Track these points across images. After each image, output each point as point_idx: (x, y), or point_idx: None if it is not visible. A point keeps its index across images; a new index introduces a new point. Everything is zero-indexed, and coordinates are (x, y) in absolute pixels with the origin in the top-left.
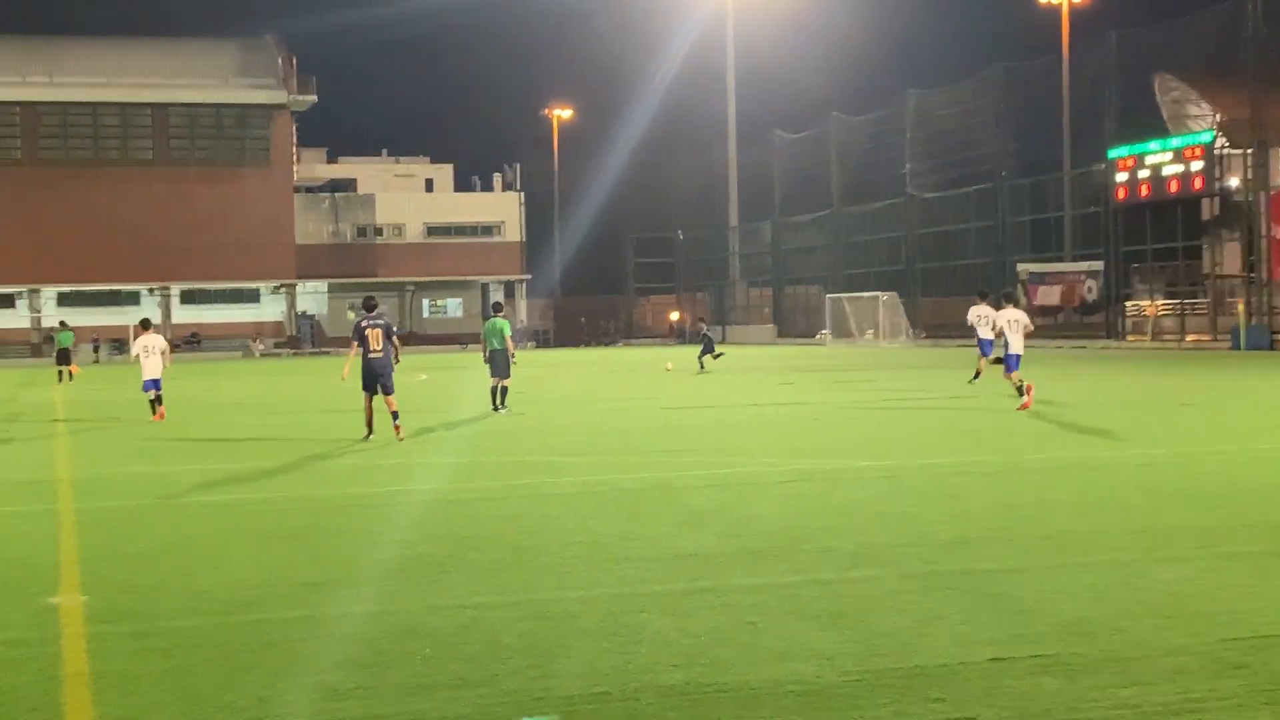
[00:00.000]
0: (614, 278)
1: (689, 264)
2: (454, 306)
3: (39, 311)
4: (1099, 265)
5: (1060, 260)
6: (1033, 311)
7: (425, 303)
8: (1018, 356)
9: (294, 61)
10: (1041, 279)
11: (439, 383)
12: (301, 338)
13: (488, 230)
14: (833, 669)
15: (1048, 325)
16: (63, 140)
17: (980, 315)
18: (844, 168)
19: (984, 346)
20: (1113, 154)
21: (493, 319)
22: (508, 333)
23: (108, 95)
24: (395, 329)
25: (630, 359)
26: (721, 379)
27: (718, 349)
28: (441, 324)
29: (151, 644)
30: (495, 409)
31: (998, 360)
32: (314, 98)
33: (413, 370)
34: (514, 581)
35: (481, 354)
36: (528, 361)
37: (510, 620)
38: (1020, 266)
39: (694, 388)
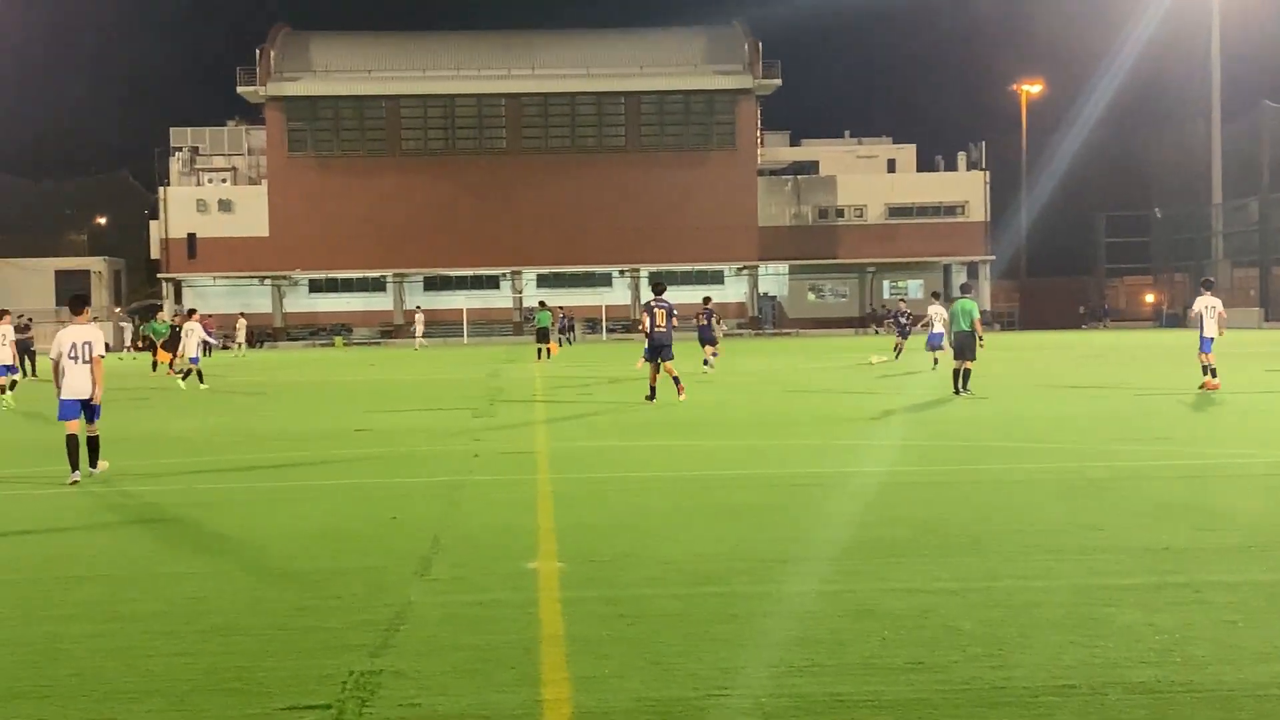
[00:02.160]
0: (1083, 258)
1: (1167, 243)
2: (914, 288)
3: (520, 292)
4: None
5: None
6: None
7: (886, 284)
8: (1211, 340)
9: (759, 47)
10: None
11: (896, 364)
12: (763, 319)
13: (950, 210)
14: None
15: None
16: (543, 129)
17: (935, 313)
18: None
19: (933, 339)
20: None
21: (960, 300)
22: (976, 315)
23: (584, 86)
24: (675, 311)
25: (1101, 343)
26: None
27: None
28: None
29: (620, 611)
30: (957, 392)
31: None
32: (778, 82)
33: (863, 351)
34: (974, 568)
35: (945, 336)
36: (992, 344)
37: (970, 607)
38: None
39: (1166, 374)
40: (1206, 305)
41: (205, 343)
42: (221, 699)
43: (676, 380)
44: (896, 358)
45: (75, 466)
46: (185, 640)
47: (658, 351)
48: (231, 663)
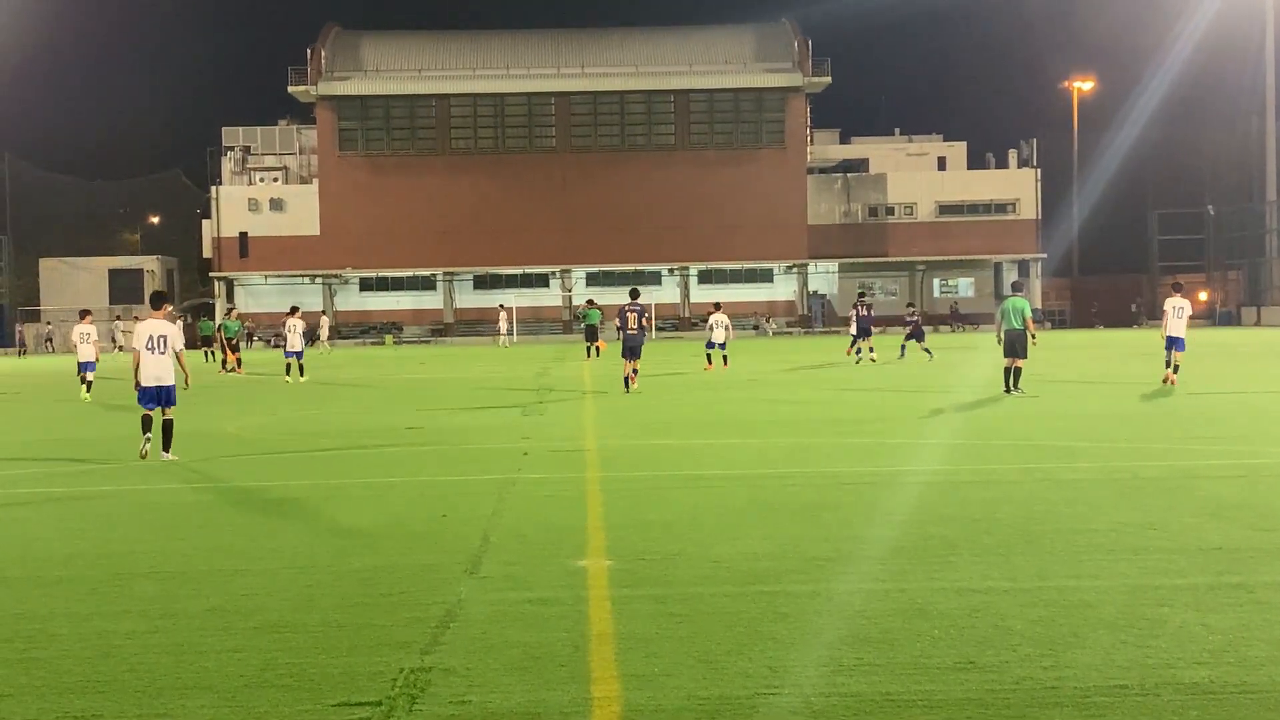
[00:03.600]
0: (1136, 256)
1: (1220, 241)
2: (965, 286)
3: (569, 290)
4: None
5: None
6: None
7: (936, 282)
8: (1179, 339)
9: (809, 45)
10: None
11: (948, 362)
12: (812, 317)
13: (1001, 208)
14: None
15: None
16: (592, 128)
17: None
18: None
19: (859, 328)
20: None
21: (1011, 298)
22: (1028, 313)
23: (634, 84)
24: (647, 313)
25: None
26: (1250, 364)
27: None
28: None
29: (670, 609)
30: (1008, 390)
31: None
32: (828, 79)
33: (920, 350)
34: (1026, 567)
35: (995, 334)
36: (1044, 343)
37: (1021, 606)
38: None
39: (1222, 372)
40: (1175, 306)
41: (306, 338)
42: (273, 695)
43: (633, 374)
44: (901, 356)
45: (147, 432)
46: (238, 636)
47: (629, 350)
48: (283, 659)
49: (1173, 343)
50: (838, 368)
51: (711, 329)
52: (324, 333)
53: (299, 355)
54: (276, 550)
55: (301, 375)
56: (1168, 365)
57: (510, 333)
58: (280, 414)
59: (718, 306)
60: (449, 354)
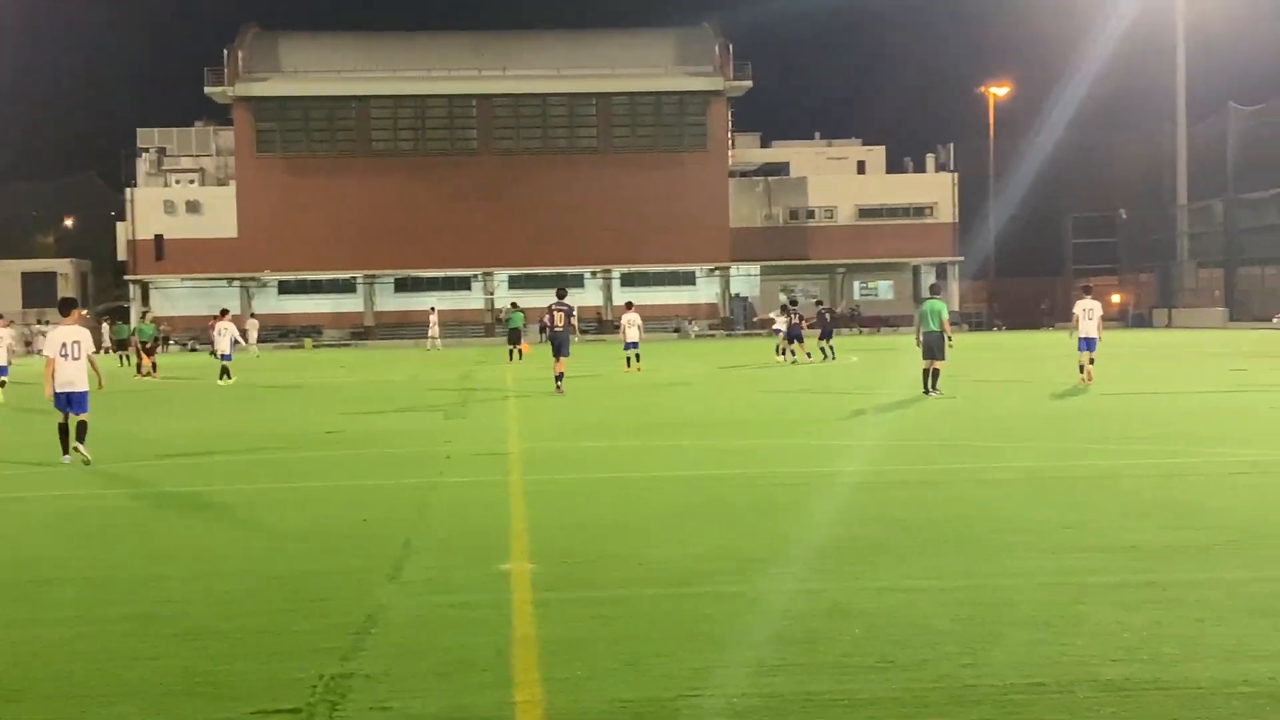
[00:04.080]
0: (1051, 259)
1: (1133, 244)
2: (885, 289)
3: (492, 293)
4: None
5: None
6: None
7: (856, 285)
8: (1092, 340)
9: (730, 49)
10: None
11: (869, 365)
12: (734, 319)
13: (920, 212)
14: None
15: None
16: (514, 130)
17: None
18: None
19: (790, 333)
20: None
21: (929, 300)
22: (945, 315)
23: (556, 86)
24: (575, 312)
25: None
26: (1164, 365)
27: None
28: (873, 306)
29: (595, 612)
30: (926, 392)
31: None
32: (749, 83)
33: (842, 352)
34: (949, 566)
35: (914, 336)
36: (960, 344)
37: (943, 605)
38: None
39: (1137, 373)
40: (1085, 308)
41: (234, 341)
42: (193, 703)
43: (559, 375)
44: (783, 355)
45: (66, 450)
46: (159, 644)
47: (556, 347)
48: (204, 666)
49: (1086, 343)
50: (761, 369)
51: (624, 330)
52: (252, 335)
53: (226, 358)
54: (197, 556)
55: (229, 378)
56: (1081, 366)
57: (439, 335)
58: (198, 418)
59: (629, 306)
60: (370, 357)
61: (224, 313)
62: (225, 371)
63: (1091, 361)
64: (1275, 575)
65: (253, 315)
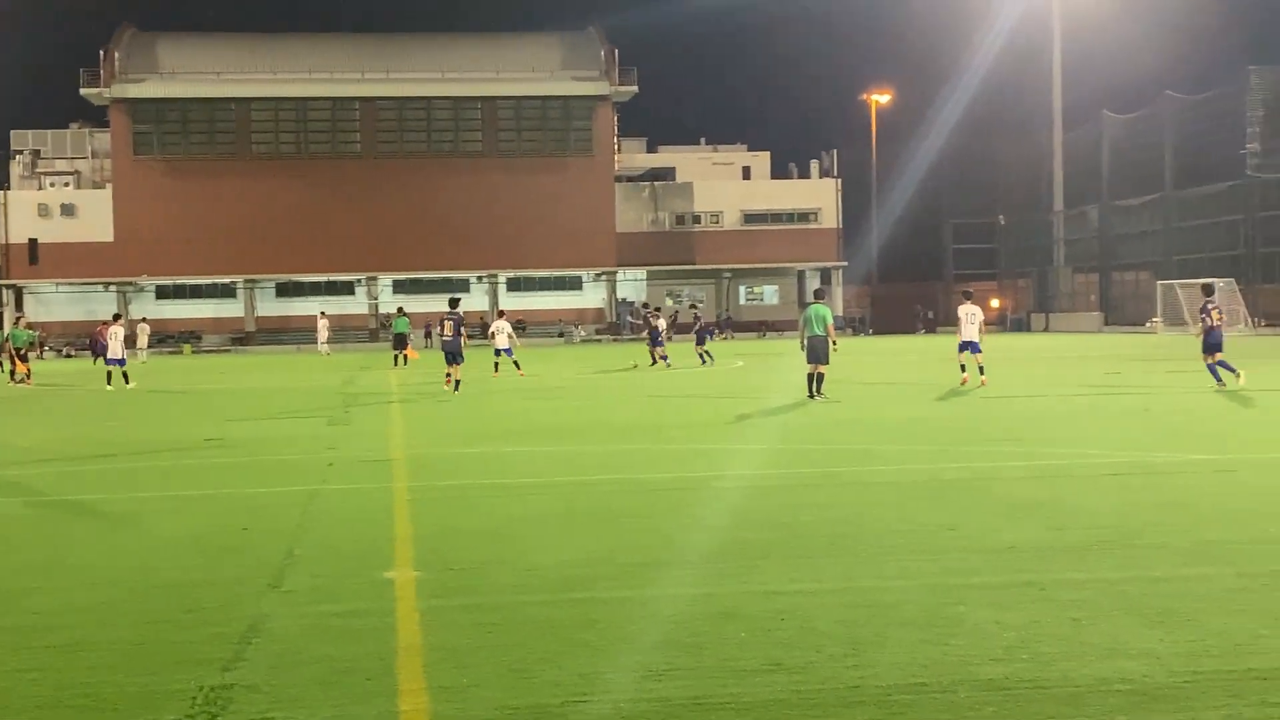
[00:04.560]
0: (933, 264)
1: (1011, 250)
2: (770, 294)
3: (376, 298)
4: None
5: None
6: None
7: (742, 289)
8: (972, 344)
9: (615, 53)
10: None
11: (754, 369)
12: (621, 324)
13: (804, 217)
14: (1161, 668)
15: None
16: (398, 134)
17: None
18: (1177, 149)
19: (701, 336)
20: None
21: (814, 305)
22: (829, 319)
23: (440, 90)
24: (463, 324)
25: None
26: (1044, 368)
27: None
28: (758, 310)
29: (480, 619)
30: (811, 396)
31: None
32: (634, 89)
33: (729, 356)
34: (832, 569)
35: (799, 340)
36: (844, 348)
37: (827, 608)
38: None
39: (1015, 376)
40: (968, 313)
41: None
42: (71, 716)
43: (457, 382)
44: (652, 363)
45: None
46: (32, 656)
47: (448, 355)
48: (79, 679)
49: (967, 346)
50: (645, 374)
51: (494, 336)
52: (143, 340)
53: (121, 363)
54: (73, 567)
55: (128, 382)
56: (963, 369)
57: (328, 340)
58: (74, 425)
59: (501, 314)
60: (251, 363)
61: (116, 317)
62: (125, 376)
63: (981, 369)
64: (1148, 574)
65: (144, 320)
